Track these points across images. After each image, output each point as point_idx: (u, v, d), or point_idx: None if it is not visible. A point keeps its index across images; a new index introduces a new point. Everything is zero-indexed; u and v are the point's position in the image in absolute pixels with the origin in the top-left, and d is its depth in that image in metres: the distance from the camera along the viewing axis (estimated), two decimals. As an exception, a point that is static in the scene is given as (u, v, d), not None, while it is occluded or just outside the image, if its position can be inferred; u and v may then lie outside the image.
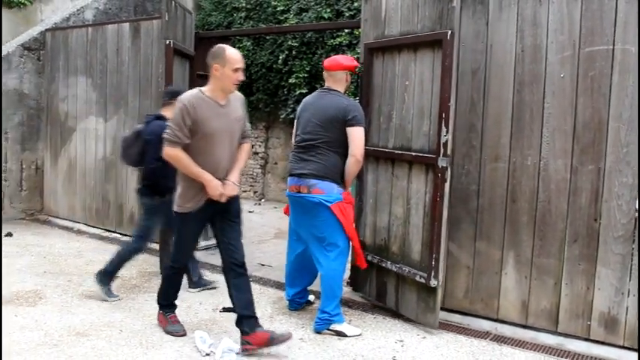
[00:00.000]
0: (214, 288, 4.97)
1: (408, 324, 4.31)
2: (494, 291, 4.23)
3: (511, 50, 4.08)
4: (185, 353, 3.72)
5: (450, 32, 3.90)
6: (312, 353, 3.79)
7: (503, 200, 4.16)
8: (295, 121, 4.43)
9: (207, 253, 6.05)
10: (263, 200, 10.12)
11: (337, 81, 4.26)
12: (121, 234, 6.89)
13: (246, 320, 3.68)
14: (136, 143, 4.61)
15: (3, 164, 7.53)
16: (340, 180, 4.14)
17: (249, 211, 8.79)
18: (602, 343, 3.84)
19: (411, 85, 4.29)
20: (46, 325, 4.12)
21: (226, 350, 3.62)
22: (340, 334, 4.07)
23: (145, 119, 4.79)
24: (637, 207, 3.69)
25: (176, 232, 3.89)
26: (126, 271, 5.45)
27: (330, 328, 4.10)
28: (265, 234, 7.49)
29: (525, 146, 4.06)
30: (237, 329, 3.73)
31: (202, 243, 6.01)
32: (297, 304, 4.56)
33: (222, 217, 3.73)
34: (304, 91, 8.71)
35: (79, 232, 7.19)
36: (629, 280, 3.74)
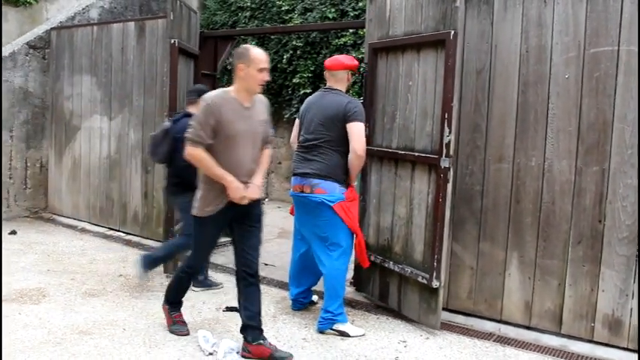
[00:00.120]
0: (219, 289, 4.97)
1: (411, 324, 4.31)
2: (498, 292, 4.22)
3: (516, 51, 4.07)
4: (188, 352, 3.72)
5: (453, 32, 3.89)
6: (315, 353, 3.79)
7: (507, 201, 4.15)
8: (297, 120, 4.43)
9: (215, 253, 6.04)
10: (267, 200, 10.12)
11: (339, 80, 4.26)
12: (124, 232, 6.91)
13: (251, 330, 3.66)
14: (165, 141, 4.62)
15: (8, 162, 7.55)
16: (344, 178, 4.14)
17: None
18: (606, 344, 3.83)
19: (415, 86, 4.28)
20: (50, 323, 4.13)
21: (228, 350, 3.63)
22: (343, 334, 4.07)
23: (173, 117, 4.81)
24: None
25: (194, 236, 3.78)
26: (129, 270, 5.47)
27: (334, 327, 4.10)
28: (269, 233, 7.48)
29: (530, 147, 4.05)
30: (240, 330, 3.73)
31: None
32: (301, 304, 4.56)
33: (242, 222, 3.64)
34: (308, 90, 8.70)
35: (83, 230, 7.20)
36: (634, 282, 3.73)
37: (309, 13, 9.00)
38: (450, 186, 4.00)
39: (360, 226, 4.68)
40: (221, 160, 3.47)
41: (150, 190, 6.63)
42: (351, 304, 4.66)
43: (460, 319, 4.36)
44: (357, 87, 8.20)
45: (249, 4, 9.77)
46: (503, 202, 4.17)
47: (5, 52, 7.57)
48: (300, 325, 4.27)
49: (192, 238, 3.81)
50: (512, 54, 4.09)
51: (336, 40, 8.67)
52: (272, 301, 4.73)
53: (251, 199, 3.56)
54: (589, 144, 3.84)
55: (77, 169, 7.59)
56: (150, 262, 4.75)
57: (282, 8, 9.28)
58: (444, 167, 3.96)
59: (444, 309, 4.29)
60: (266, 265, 5.85)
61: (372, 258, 4.56)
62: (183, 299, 4.09)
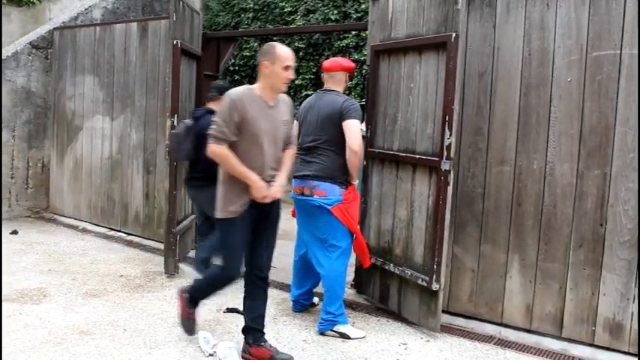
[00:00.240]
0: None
1: (411, 327, 4.30)
2: (499, 295, 4.22)
3: (518, 53, 4.07)
4: (188, 353, 3.72)
5: (454, 35, 3.89)
6: (316, 355, 3.79)
7: (509, 204, 4.15)
8: (295, 122, 4.43)
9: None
10: (268, 201, 10.11)
11: (337, 82, 4.28)
12: (125, 233, 6.91)
13: (253, 333, 3.64)
14: (188, 138, 4.65)
15: (10, 162, 7.56)
16: (344, 179, 4.14)
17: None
18: (607, 348, 3.82)
19: (416, 88, 4.28)
20: (51, 323, 4.13)
21: (229, 351, 3.62)
22: (344, 335, 4.07)
23: (195, 114, 4.84)
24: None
25: (222, 240, 3.60)
26: (130, 271, 5.47)
27: (334, 329, 4.10)
28: (270, 235, 7.48)
29: (531, 150, 4.05)
30: (241, 331, 3.73)
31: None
32: (302, 305, 4.56)
33: (260, 222, 3.57)
34: (310, 92, 8.71)
35: (84, 230, 7.21)
36: (635, 286, 3.72)
37: (311, 15, 9.01)
38: (450, 188, 4.00)
39: (361, 228, 4.69)
40: (243, 158, 3.40)
41: (151, 190, 6.64)
42: (351, 306, 4.66)
43: (461, 322, 4.35)
44: (359, 89, 8.20)
45: (251, 5, 9.78)
46: (504, 204, 4.17)
47: (8, 51, 7.59)
48: (300, 326, 4.27)
49: (220, 242, 3.65)
50: (515, 57, 4.09)
51: (339, 42, 8.68)
52: (273, 303, 4.72)
53: (273, 198, 3.52)
54: (591, 147, 3.83)
55: (79, 169, 7.60)
56: (203, 262, 4.78)
57: (285, 10, 9.29)
58: (445, 170, 3.96)
59: (444, 311, 4.29)
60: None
61: (373, 260, 4.56)
62: (204, 301, 3.94)
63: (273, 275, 5.43)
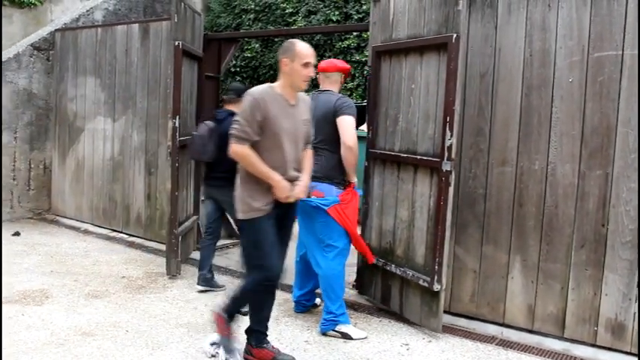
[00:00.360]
0: (222, 291, 4.98)
1: (413, 327, 4.30)
2: (501, 295, 4.22)
3: (519, 54, 4.08)
4: (190, 354, 3.73)
5: (455, 35, 3.90)
6: (318, 356, 3.79)
7: (510, 204, 4.15)
8: None
9: (218, 254, 6.05)
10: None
11: (333, 82, 4.32)
12: (127, 234, 6.92)
13: (256, 334, 3.63)
14: (211, 139, 4.72)
15: (12, 163, 7.57)
16: (341, 179, 4.16)
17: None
18: (609, 349, 3.82)
19: (417, 89, 4.28)
20: (53, 324, 4.14)
21: (230, 352, 3.62)
22: (346, 336, 4.07)
23: (217, 116, 4.89)
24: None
25: (251, 242, 3.44)
26: (132, 272, 5.48)
27: (336, 329, 4.11)
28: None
29: (533, 150, 4.05)
30: (243, 332, 3.72)
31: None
32: (303, 306, 4.57)
33: (279, 222, 3.49)
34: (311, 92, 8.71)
35: (86, 232, 7.21)
36: (637, 286, 3.72)
37: (313, 16, 9.02)
38: (451, 189, 4.00)
39: (363, 228, 4.71)
40: (264, 158, 3.33)
41: (153, 191, 6.65)
42: (353, 306, 4.66)
43: (463, 322, 4.35)
44: (360, 90, 8.21)
45: (253, 6, 9.79)
46: (506, 205, 4.17)
47: (10, 53, 7.60)
48: (302, 327, 4.27)
49: (250, 245, 3.46)
50: (516, 58, 4.09)
51: (340, 43, 8.68)
52: (274, 304, 4.70)
53: (297, 198, 3.48)
54: (592, 148, 3.84)
55: (80, 171, 7.61)
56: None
57: (286, 11, 9.30)
58: (446, 170, 3.96)
59: (446, 312, 4.29)
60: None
61: (375, 261, 4.56)
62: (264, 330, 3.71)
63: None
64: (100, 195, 7.34)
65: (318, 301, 4.66)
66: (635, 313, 3.73)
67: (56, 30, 7.95)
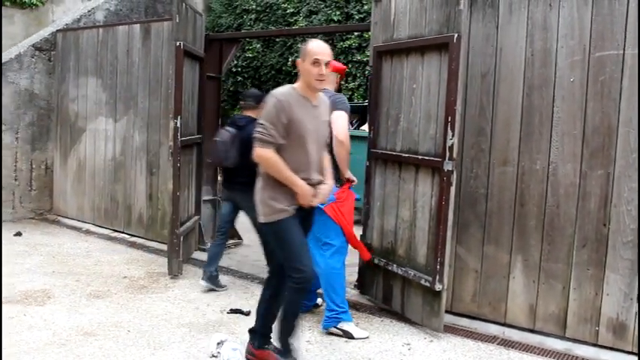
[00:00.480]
0: (224, 290, 4.98)
1: (415, 327, 4.30)
2: (502, 295, 4.22)
3: (521, 54, 4.07)
4: (192, 354, 3.73)
5: (456, 35, 3.90)
6: (319, 356, 3.79)
7: (512, 204, 4.15)
8: None
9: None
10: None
11: (329, 82, 4.31)
12: (129, 234, 6.92)
13: (260, 336, 3.59)
14: (234, 145, 4.73)
15: (13, 164, 7.59)
16: (336, 177, 4.15)
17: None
18: (611, 348, 3.82)
19: (419, 89, 4.29)
20: (55, 324, 4.14)
21: (232, 352, 3.62)
22: (347, 334, 4.08)
23: (238, 122, 4.87)
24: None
25: (280, 246, 3.36)
26: (134, 272, 5.49)
27: (338, 326, 4.11)
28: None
29: (534, 150, 4.05)
30: (246, 331, 3.72)
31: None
32: (305, 306, 4.56)
33: (301, 224, 3.39)
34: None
35: (88, 232, 7.22)
36: (638, 286, 3.72)
37: (314, 16, 9.02)
38: (453, 189, 4.00)
39: (364, 228, 4.71)
40: (289, 161, 3.23)
41: (155, 192, 6.65)
42: (355, 306, 4.66)
43: (464, 322, 4.35)
44: (361, 90, 8.22)
45: (254, 6, 9.80)
46: (507, 205, 4.17)
47: (11, 54, 7.61)
48: (303, 327, 4.26)
49: (278, 249, 3.39)
50: (517, 57, 4.09)
51: (341, 43, 8.69)
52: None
53: (322, 201, 3.44)
54: (594, 147, 3.84)
55: (82, 171, 7.61)
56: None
57: (287, 11, 9.31)
58: (447, 170, 3.96)
59: (448, 312, 4.29)
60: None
61: (376, 261, 4.56)
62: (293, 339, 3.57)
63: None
64: (101, 195, 7.35)
65: (319, 301, 4.66)
66: (636, 313, 3.73)
67: (58, 30, 7.96)
